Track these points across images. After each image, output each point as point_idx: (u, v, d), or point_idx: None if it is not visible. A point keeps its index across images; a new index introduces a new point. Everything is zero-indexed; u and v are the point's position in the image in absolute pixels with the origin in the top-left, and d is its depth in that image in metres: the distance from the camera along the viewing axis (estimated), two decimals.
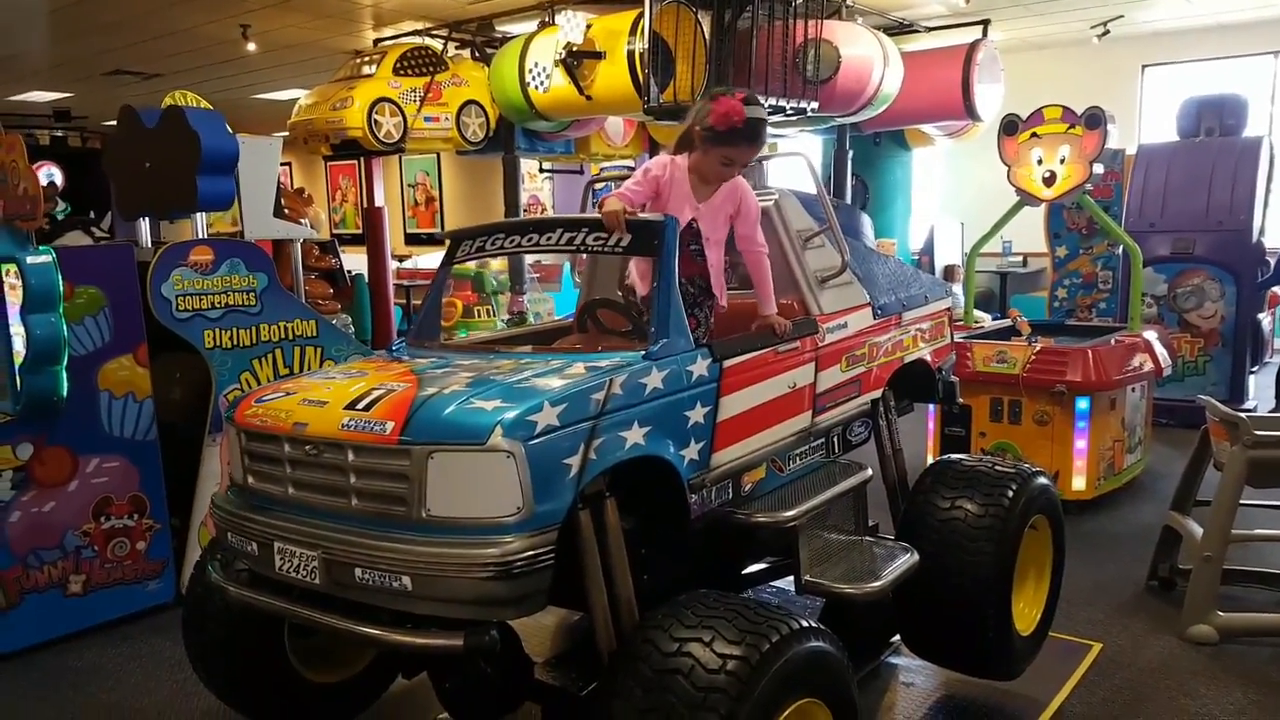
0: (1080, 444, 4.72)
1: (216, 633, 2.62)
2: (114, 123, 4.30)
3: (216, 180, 3.88)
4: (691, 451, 2.29)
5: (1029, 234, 7.92)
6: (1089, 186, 5.22)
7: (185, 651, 2.77)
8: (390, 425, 1.96)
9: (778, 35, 6.01)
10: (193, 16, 7.50)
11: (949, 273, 9.05)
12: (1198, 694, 3.09)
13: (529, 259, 8.10)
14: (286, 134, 7.21)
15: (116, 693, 3.30)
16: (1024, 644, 2.97)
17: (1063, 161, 5.18)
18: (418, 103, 6.95)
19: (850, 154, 8.09)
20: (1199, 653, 3.36)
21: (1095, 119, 5.09)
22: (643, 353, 2.23)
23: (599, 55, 6.19)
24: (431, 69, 7.11)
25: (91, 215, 7.00)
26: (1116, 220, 6.59)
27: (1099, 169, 5.26)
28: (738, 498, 2.51)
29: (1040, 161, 5.24)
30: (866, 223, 3.56)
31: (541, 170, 10.54)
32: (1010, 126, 5.37)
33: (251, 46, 8.22)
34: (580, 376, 2.10)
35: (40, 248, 3.60)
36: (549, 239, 2.53)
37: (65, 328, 3.55)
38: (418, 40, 7.53)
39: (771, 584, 3.25)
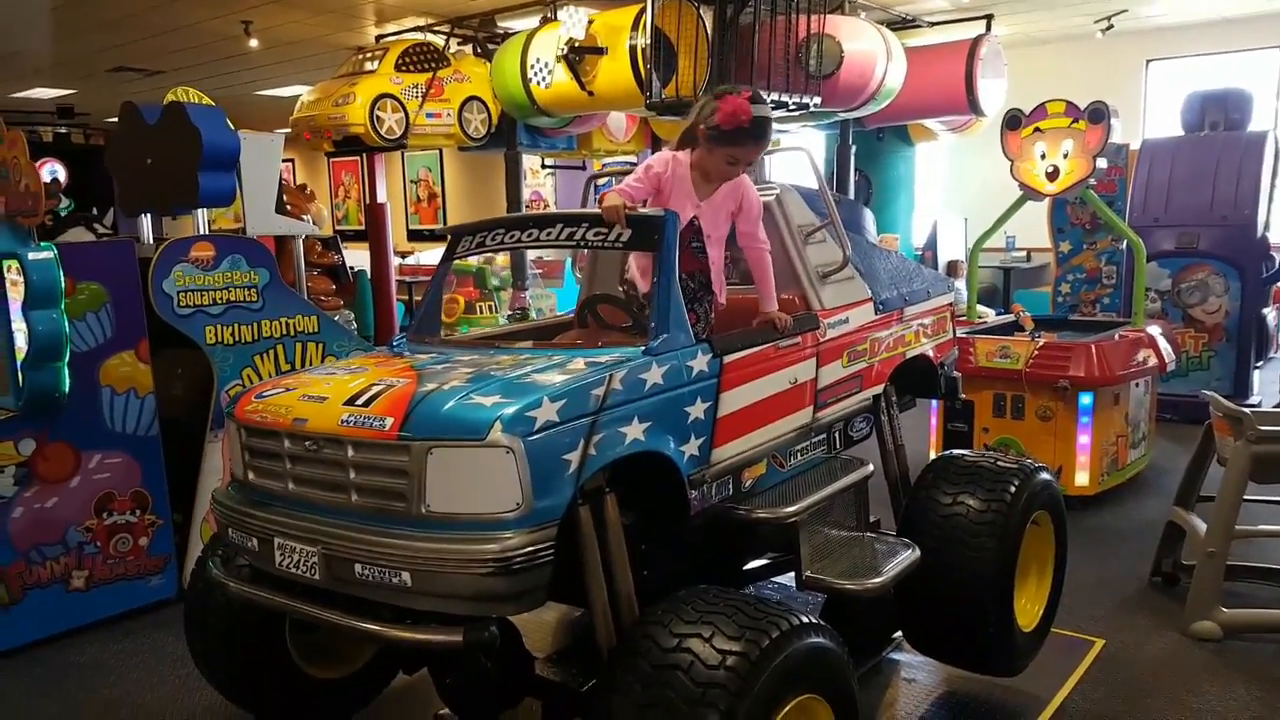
0: (1083, 439, 4.71)
1: (218, 628, 2.62)
2: (117, 119, 4.30)
3: (218, 176, 3.88)
4: (692, 447, 2.29)
5: (1033, 229, 7.89)
6: (1092, 181, 5.20)
7: (187, 647, 2.78)
8: (390, 421, 1.95)
9: (780, 30, 6.00)
10: (195, 13, 7.50)
11: (952, 268, 9.02)
12: (1201, 690, 3.08)
13: (531, 255, 8.10)
14: (289, 130, 7.21)
15: (119, 688, 3.31)
16: (1026, 640, 2.96)
17: (1066, 156, 5.16)
18: (420, 99, 6.95)
19: (853, 149, 8.07)
20: (1202, 649, 3.35)
21: (1098, 113, 5.07)
22: (643, 348, 2.23)
23: (601, 51, 6.18)
24: (433, 65, 7.10)
25: (94, 212, 7.02)
26: (1120, 215, 6.56)
27: (1102, 164, 5.24)
28: (738, 493, 2.51)
29: (1043, 156, 5.22)
30: (868, 218, 3.55)
31: (544, 166, 10.52)
32: (1013, 121, 5.35)
33: (254, 43, 8.21)
34: (580, 372, 2.09)
35: (42, 244, 3.60)
36: (549, 234, 2.52)
37: (67, 324, 3.55)
38: (420, 36, 7.53)
39: (773, 580, 3.24)
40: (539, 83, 6.65)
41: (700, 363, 2.32)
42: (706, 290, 2.60)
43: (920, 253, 9.40)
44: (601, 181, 3.31)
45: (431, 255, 10.13)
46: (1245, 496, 3.42)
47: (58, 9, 7.22)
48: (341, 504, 2.03)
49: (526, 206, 8.96)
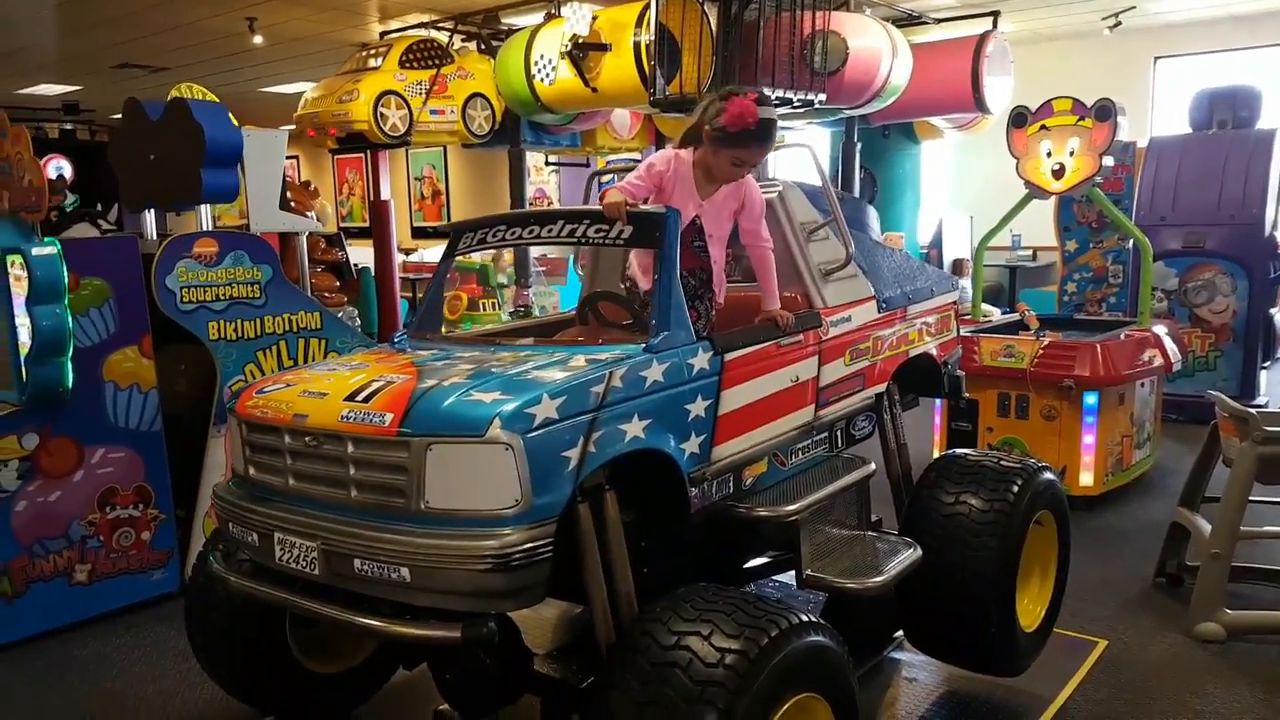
0: (1088, 439, 4.69)
1: (219, 623, 2.63)
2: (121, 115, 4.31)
3: (221, 172, 3.88)
4: (692, 445, 2.28)
5: (1039, 228, 7.86)
6: (1098, 179, 5.17)
7: (188, 641, 2.78)
8: (389, 417, 1.95)
9: (785, 27, 5.98)
10: (198, 10, 7.51)
11: (957, 266, 8.99)
12: (1204, 692, 3.06)
13: (535, 252, 8.10)
14: (293, 127, 7.22)
15: (121, 681, 3.32)
16: (1028, 640, 2.95)
17: (1072, 154, 5.13)
18: (424, 95, 6.95)
19: (858, 146, 8.04)
20: (1206, 650, 3.34)
21: (1105, 111, 5.04)
22: (643, 345, 2.22)
23: (605, 47, 6.17)
24: (437, 62, 7.10)
25: (98, 208, 7.04)
26: (1127, 214, 6.53)
27: (1109, 162, 5.21)
28: (739, 491, 2.50)
29: (1049, 154, 5.19)
30: (872, 215, 3.52)
31: (547, 164, 10.51)
32: (1019, 118, 5.32)
33: (258, 40, 8.22)
34: (580, 369, 2.09)
35: (45, 239, 3.61)
36: (550, 231, 2.52)
37: (70, 319, 3.56)
38: (424, 33, 7.52)
39: (774, 578, 3.24)
40: (543, 79, 6.65)
41: (701, 360, 2.31)
42: (707, 287, 2.59)
43: (925, 251, 9.37)
44: (606, 179, 3.30)
45: (435, 252, 10.12)
46: (1250, 498, 3.40)
47: (62, 5, 7.24)
48: (341, 499, 2.03)
49: (530, 204, 8.96)
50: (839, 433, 2.93)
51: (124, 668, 3.42)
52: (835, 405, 2.85)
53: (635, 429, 2.11)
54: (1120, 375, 4.68)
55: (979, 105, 7.35)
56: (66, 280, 3.54)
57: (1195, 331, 6.44)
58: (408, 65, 7.02)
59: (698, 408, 2.29)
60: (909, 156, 9.14)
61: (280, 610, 2.51)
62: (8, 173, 3.63)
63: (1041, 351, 4.70)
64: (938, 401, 5.04)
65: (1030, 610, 3.00)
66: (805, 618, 1.98)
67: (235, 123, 4.05)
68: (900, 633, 3.14)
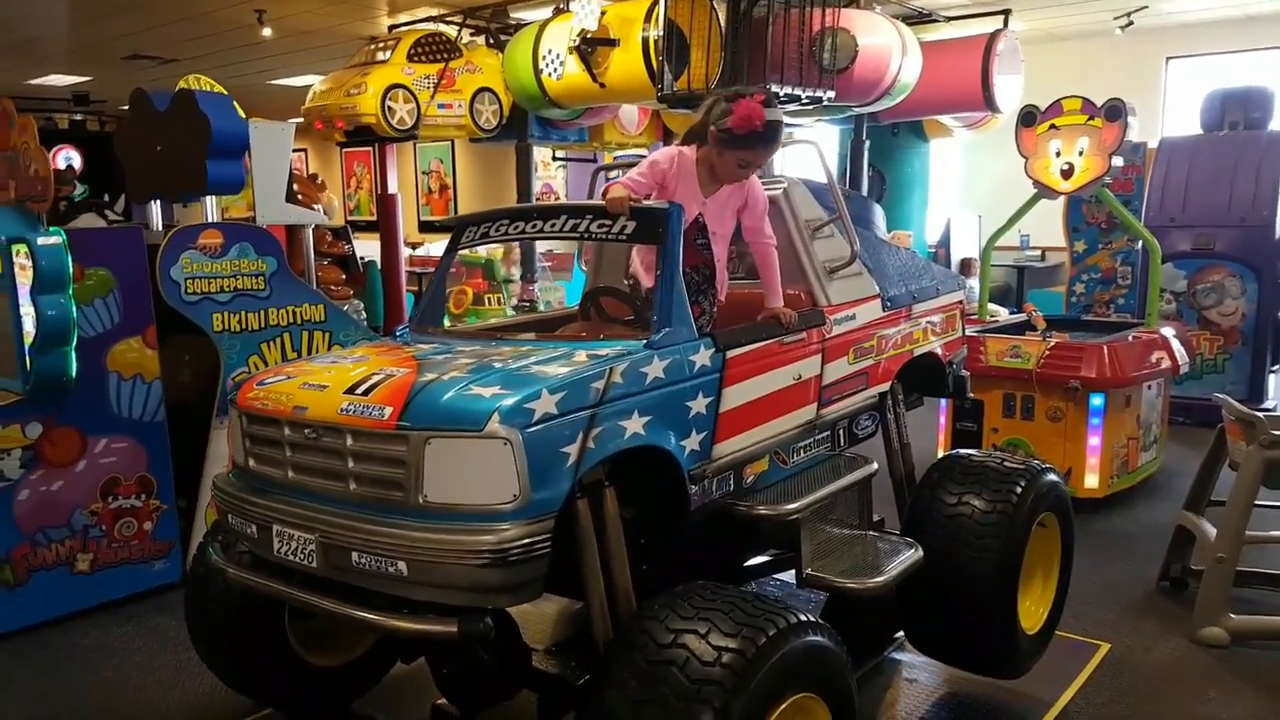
0: (1094, 441, 4.66)
1: (218, 614, 2.63)
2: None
3: (226, 164, 3.89)
4: (693, 442, 2.27)
5: (1048, 228, 7.81)
6: (1108, 180, 5.13)
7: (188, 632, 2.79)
8: (388, 410, 1.95)
9: (794, 23, 5.94)
10: (208, 1, 7.52)
11: (965, 266, 8.95)
12: (1206, 697, 3.04)
13: (541, 247, 8.09)
14: (300, 120, 7.22)
15: (121, 670, 3.33)
16: (1030, 642, 2.93)
17: (1081, 154, 5.09)
18: (431, 89, 6.94)
19: (867, 145, 8.00)
20: (1209, 655, 3.31)
21: (1115, 111, 5.00)
22: (645, 341, 2.21)
23: (613, 43, 6.14)
24: (445, 56, 7.09)
25: (105, 198, 7.05)
26: (1137, 214, 6.48)
27: (1119, 162, 5.17)
28: (740, 489, 2.49)
29: (1058, 153, 5.16)
30: (878, 213, 3.50)
31: (555, 158, 10.51)
32: (1028, 117, 5.29)
33: (267, 32, 8.23)
34: (581, 364, 2.08)
35: (51, 229, 3.62)
36: (553, 226, 2.51)
37: (75, 309, 3.57)
38: (432, 27, 7.51)
39: (774, 577, 3.23)
40: (551, 74, 6.63)
41: (703, 357, 2.30)
42: (710, 284, 2.57)
43: (934, 250, 9.32)
44: (612, 174, 3.28)
45: (441, 247, 10.12)
46: (1257, 502, 3.38)
47: None
48: (340, 492, 2.02)
49: (537, 199, 8.94)
50: (841, 431, 2.91)
51: (125, 657, 3.43)
52: (838, 404, 2.84)
53: (635, 425, 2.10)
54: (1127, 377, 4.65)
55: (989, 104, 7.31)
56: (71, 270, 3.55)
57: (1204, 334, 6.39)
58: (416, 59, 7.01)
59: (699, 405, 2.28)
60: (918, 155, 9.10)
61: (279, 602, 2.51)
62: (14, 162, 3.64)
63: (1048, 352, 4.68)
64: (943, 401, 5.02)
65: (1032, 612, 2.98)
66: (803, 617, 1.97)
67: (241, 114, 4.05)
68: (901, 633, 3.12)
